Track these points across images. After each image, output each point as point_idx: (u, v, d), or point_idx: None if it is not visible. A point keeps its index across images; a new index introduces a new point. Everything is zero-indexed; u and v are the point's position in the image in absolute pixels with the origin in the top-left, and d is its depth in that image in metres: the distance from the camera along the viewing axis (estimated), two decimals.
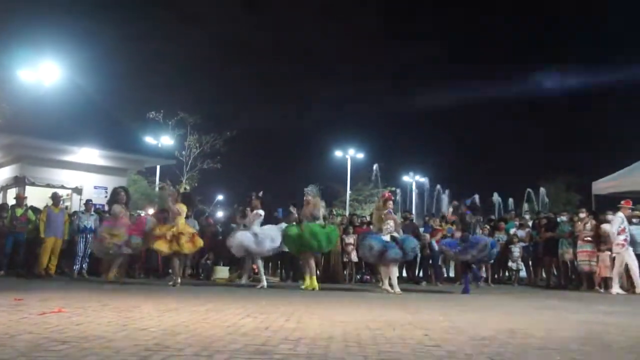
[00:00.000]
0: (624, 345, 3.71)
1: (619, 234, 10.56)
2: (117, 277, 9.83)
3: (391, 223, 9.56)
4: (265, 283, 9.79)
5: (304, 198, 10.25)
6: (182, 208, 9.86)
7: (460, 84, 57.68)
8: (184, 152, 32.59)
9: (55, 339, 3.29)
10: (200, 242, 10.00)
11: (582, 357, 3.20)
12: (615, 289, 10.44)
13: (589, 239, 11.28)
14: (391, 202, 9.95)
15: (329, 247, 10.39)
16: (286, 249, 10.95)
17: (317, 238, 9.74)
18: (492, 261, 11.97)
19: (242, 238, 9.87)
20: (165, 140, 30.53)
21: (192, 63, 48.09)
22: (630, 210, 11.06)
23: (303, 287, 9.79)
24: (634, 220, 11.29)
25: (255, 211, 10.00)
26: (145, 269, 12.42)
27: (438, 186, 40.62)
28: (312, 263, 10.08)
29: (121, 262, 10.01)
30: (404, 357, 3.03)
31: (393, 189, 34.05)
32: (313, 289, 9.55)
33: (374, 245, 9.35)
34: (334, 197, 36.59)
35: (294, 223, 10.30)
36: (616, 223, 10.68)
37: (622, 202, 11.07)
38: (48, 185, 14.73)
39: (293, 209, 10.87)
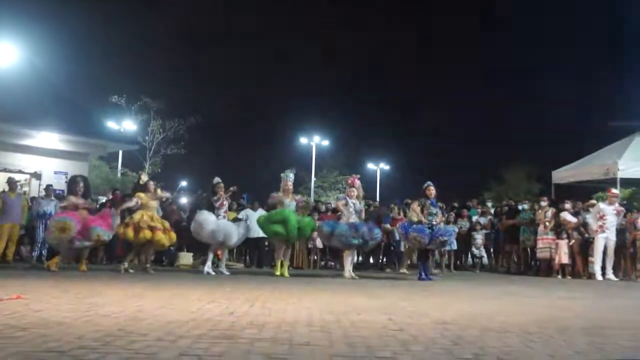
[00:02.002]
0: (581, 328, 3.82)
1: (597, 220, 10.86)
2: (86, 266, 9.45)
3: (351, 209, 9.58)
4: (210, 270, 9.63)
5: (282, 183, 9.92)
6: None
7: (428, 71, 58.20)
8: (147, 138, 32.01)
9: (14, 325, 3.21)
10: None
11: (540, 339, 3.28)
12: (598, 275, 10.59)
13: (550, 226, 11.57)
14: (353, 189, 9.90)
15: (294, 238, 10.01)
16: (251, 236, 10.90)
17: (288, 227, 9.47)
18: (454, 248, 12.18)
19: (213, 227, 9.62)
20: (128, 125, 29.91)
21: (157, 48, 47.15)
22: (615, 198, 11.34)
23: (278, 273, 9.55)
24: (590, 209, 11.61)
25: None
26: (108, 256, 12.21)
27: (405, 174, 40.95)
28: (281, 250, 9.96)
29: (85, 252, 9.61)
30: (369, 341, 3.05)
31: (358, 175, 34.06)
32: (282, 275, 9.44)
33: (328, 230, 9.57)
34: (299, 183, 36.50)
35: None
36: (594, 212, 11.08)
37: (607, 192, 11.68)
38: (5, 170, 14.31)
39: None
